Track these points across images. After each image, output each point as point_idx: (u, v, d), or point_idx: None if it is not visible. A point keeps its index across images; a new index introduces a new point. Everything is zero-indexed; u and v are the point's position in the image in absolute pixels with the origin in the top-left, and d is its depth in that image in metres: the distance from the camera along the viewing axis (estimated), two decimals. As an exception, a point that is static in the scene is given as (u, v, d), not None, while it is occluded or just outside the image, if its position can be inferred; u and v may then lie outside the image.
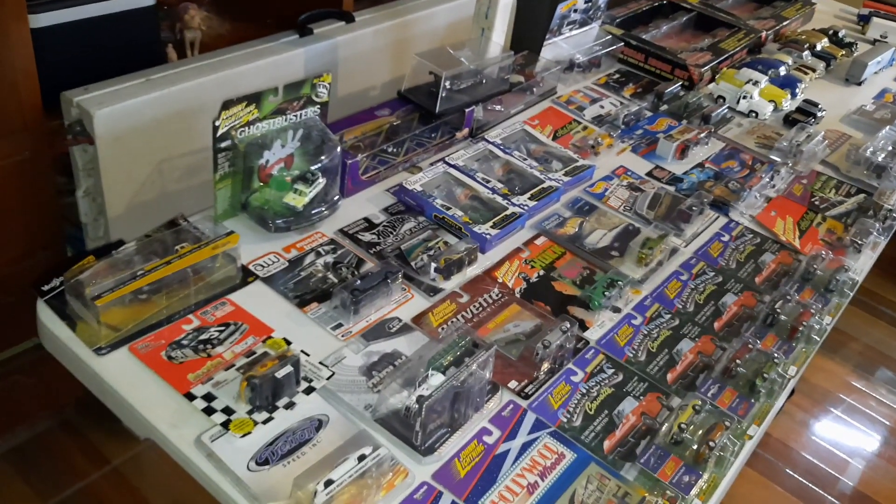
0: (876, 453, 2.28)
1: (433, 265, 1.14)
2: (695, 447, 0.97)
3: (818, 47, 2.11)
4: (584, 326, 1.13)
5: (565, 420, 0.98)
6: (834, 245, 1.41)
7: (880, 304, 2.85)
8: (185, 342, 0.97)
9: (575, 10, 1.80)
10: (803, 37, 2.15)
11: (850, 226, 1.46)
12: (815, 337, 1.19)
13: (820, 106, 1.79)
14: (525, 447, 0.94)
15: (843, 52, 2.13)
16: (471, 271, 1.18)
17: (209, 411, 0.89)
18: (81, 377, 0.97)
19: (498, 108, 1.55)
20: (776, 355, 1.11)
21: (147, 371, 0.93)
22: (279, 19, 1.72)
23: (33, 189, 1.44)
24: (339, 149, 1.21)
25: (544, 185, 1.35)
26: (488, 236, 1.22)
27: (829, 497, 2.11)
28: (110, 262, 1.00)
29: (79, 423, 1.81)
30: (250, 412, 0.89)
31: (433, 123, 1.40)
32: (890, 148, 1.67)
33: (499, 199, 1.30)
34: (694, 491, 0.93)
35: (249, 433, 0.87)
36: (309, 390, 0.94)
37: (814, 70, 2.00)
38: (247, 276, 1.09)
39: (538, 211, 1.33)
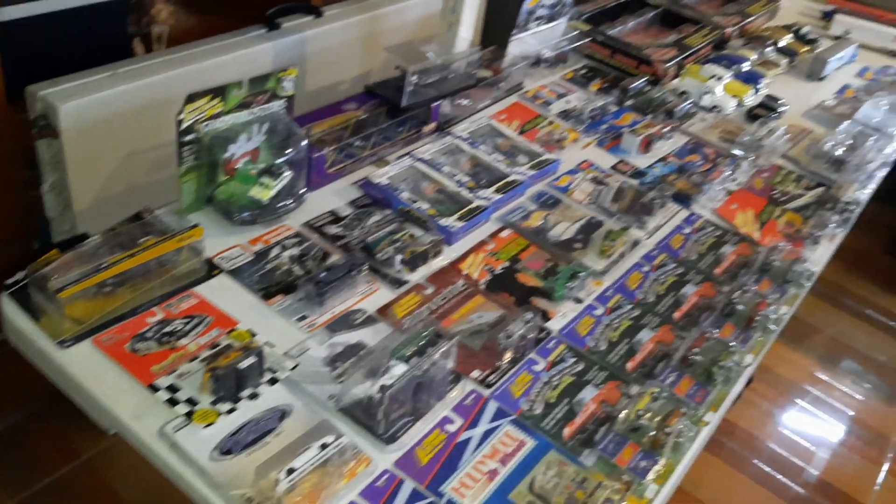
0: (840, 443, 2.33)
1: (399, 257, 1.16)
2: (652, 433, 0.99)
3: (782, 43, 2.14)
4: (546, 317, 1.15)
5: (526, 408, 1.00)
6: (793, 237, 1.45)
7: (844, 297, 2.91)
8: (149, 335, 0.97)
9: (542, 6, 1.82)
10: (767, 33, 2.19)
11: (808, 218, 1.50)
12: (772, 326, 1.22)
13: (782, 101, 1.83)
14: (486, 435, 0.96)
15: (806, 49, 2.17)
16: (436, 263, 1.20)
17: (173, 402, 0.90)
18: (45, 370, 0.97)
19: (465, 102, 1.57)
20: (733, 344, 1.14)
21: (111, 363, 0.93)
22: (247, 14, 1.71)
23: (-2, 183, 1.43)
24: (305, 142, 1.22)
25: (510, 179, 1.37)
26: (454, 229, 1.23)
27: (795, 486, 2.16)
28: (75, 255, 1.00)
29: (49, 417, 1.80)
30: (214, 403, 0.90)
31: (400, 117, 1.42)
32: (849, 142, 1.71)
33: (465, 192, 1.32)
34: (650, 476, 0.95)
35: (213, 423, 0.88)
36: (273, 381, 0.95)
37: (777, 66, 2.04)
38: (212, 268, 1.09)
39: (503, 204, 1.35)
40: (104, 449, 1.78)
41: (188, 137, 1.10)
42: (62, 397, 0.97)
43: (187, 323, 1.00)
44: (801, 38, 2.21)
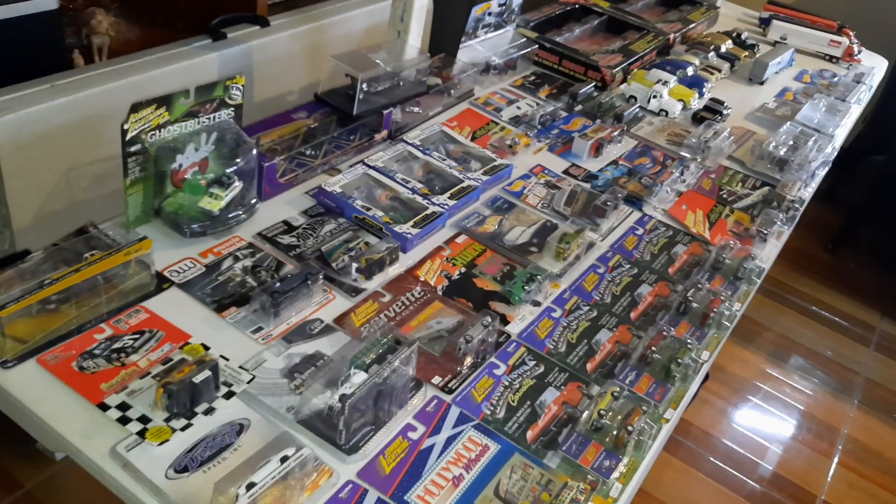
0: (791, 437, 2.39)
1: (354, 265, 1.14)
2: (614, 432, 0.99)
3: (723, 49, 2.20)
4: (505, 321, 1.15)
5: (489, 412, 1.00)
6: (741, 235, 1.48)
7: (789, 294, 2.99)
8: (97, 352, 0.94)
9: (489, 14, 1.84)
10: (708, 39, 2.24)
11: (755, 217, 1.53)
12: (726, 323, 1.24)
13: (726, 104, 1.87)
14: (450, 441, 0.95)
15: (746, 54, 2.23)
16: (392, 271, 1.19)
17: (124, 421, 0.86)
18: (-14, 393, 0.93)
19: (416, 109, 1.56)
20: (689, 341, 1.15)
21: (57, 383, 0.90)
22: (191, 24, 1.68)
23: (-69, 202, 1.37)
24: (255, 151, 1.19)
25: (464, 185, 1.37)
26: (409, 236, 1.22)
27: (750, 481, 2.20)
28: (16, 272, 0.97)
29: (-12, 448, 1.73)
30: (168, 419, 0.87)
31: (351, 125, 1.40)
32: (791, 143, 1.75)
33: (419, 199, 1.31)
34: (615, 475, 0.95)
35: (167, 441, 0.85)
36: (229, 395, 0.92)
37: (719, 70, 2.08)
38: (162, 282, 1.06)
39: (458, 210, 1.34)
40: (47, 478, 1.72)
41: (133, 148, 1.06)
42: (2, 428, 0.93)
43: (137, 338, 0.97)
44: (741, 44, 2.27)
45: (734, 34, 2.30)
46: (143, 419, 0.87)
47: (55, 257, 1.00)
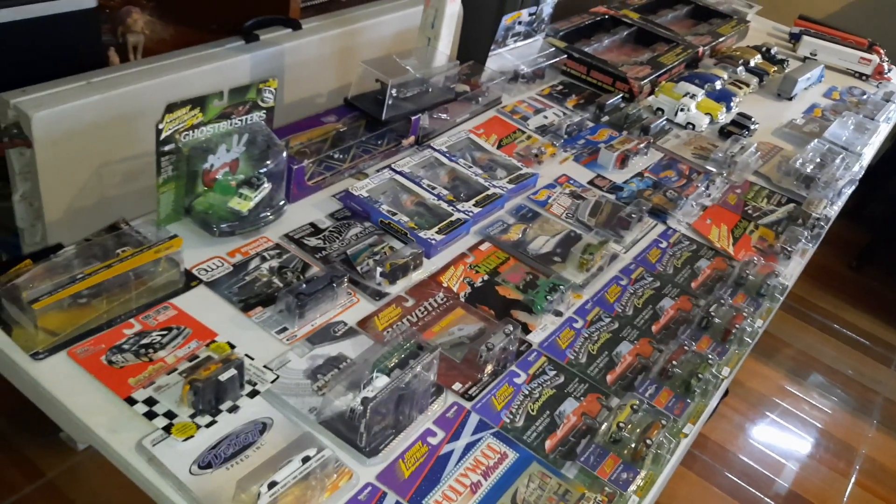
0: (809, 455, 2.37)
1: (379, 269, 1.15)
2: (633, 445, 0.99)
3: (752, 63, 2.19)
4: (526, 330, 1.15)
5: (508, 421, 1.00)
6: (765, 252, 1.47)
7: (811, 311, 2.96)
8: (125, 346, 0.96)
9: (520, 23, 1.84)
10: (738, 53, 2.23)
11: (780, 233, 1.52)
12: (748, 339, 1.24)
13: (753, 119, 1.86)
14: (468, 447, 0.95)
15: (776, 69, 2.22)
16: (416, 276, 1.20)
17: (150, 416, 0.88)
18: (17, 383, 0.95)
19: (444, 116, 1.58)
20: (710, 357, 1.15)
21: (86, 376, 0.91)
22: (224, 25, 1.71)
23: (-34, 193, 1.40)
24: (284, 154, 1.21)
25: (489, 193, 1.38)
26: (433, 241, 1.23)
27: (765, 498, 2.18)
28: (48, 265, 0.98)
29: (12, 436, 1.75)
30: (193, 416, 0.89)
31: (379, 130, 1.41)
32: (818, 160, 1.74)
33: (444, 205, 1.32)
34: (632, 487, 0.95)
35: (192, 437, 0.87)
36: (253, 394, 0.93)
37: (748, 85, 2.08)
38: (190, 280, 1.08)
39: (483, 217, 1.35)
40: (69, 468, 1.74)
41: (167, 147, 1.08)
42: (24, 415, 0.95)
43: (165, 335, 0.98)
44: (771, 59, 2.26)
45: (764, 49, 2.29)
46: (169, 414, 0.88)
47: (87, 252, 1.02)
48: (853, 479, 2.31)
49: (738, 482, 2.21)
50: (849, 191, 1.76)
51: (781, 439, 2.40)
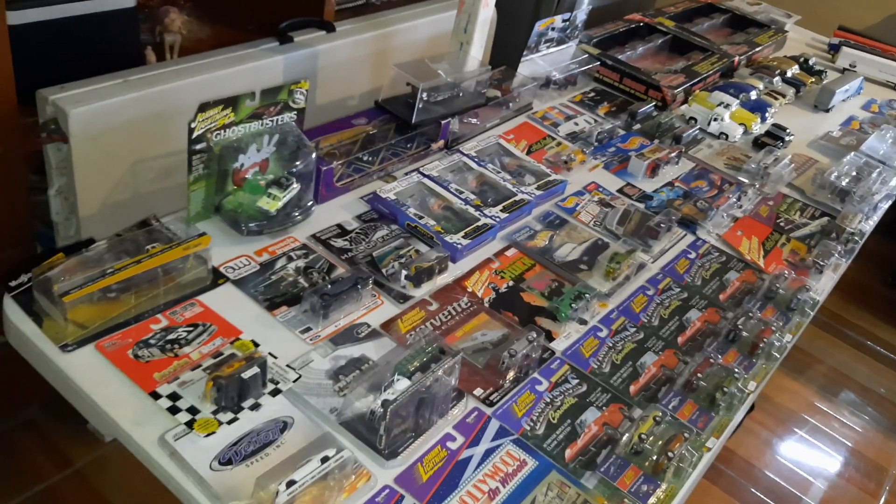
0: (838, 474, 2.32)
1: (404, 272, 1.15)
2: (654, 457, 0.98)
3: (789, 74, 2.16)
4: (550, 337, 1.15)
5: (528, 428, 1.00)
6: (797, 265, 1.45)
7: (844, 327, 2.91)
8: (152, 341, 0.97)
9: (553, 29, 1.84)
10: (774, 63, 2.20)
11: (813, 247, 1.50)
12: (776, 354, 1.22)
13: (788, 130, 1.83)
14: (488, 454, 0.95)
15: (813, 80, 2.18)
16: (441, 280, 1.20)
17: (174, 410, 0.89)
18: (46, 374, 0.96)
19: (474, 121, 1.58)
20: (736, 370, 1.14)
21: (113, 369, 0.93)
22: (259, 26, 1.73)
23: (4, 186, 1.43)
24: (314, 155, 1.22)
25: (516, 198, 1.37)
26: (459, 246, 1.23)
27: (791, 516, 2.14)
28: (80, 259, 1.00)
29: (42, 424, 1.79)
30: (215, 412, 0.90)
31: (409, 134, 1.42)
32: (854, 173, 1.71)
33: (471, 210, 1.32)
34: (651, 500, 0.94)
35: (213, 433, 0.87)
36: (275, 392, 0.94)
37: (784, 95, 2.05)
38: (217, 277, 1.09)
39: (510, 223, 1.35)
40: (96, 458, 1.77)
41: (199, 146, 1.10)
42: (55, 405, 0.96)
43: (191, 331, 1.00)
44: (808, 70, 2.23)
45: (801, 59, 2.26)
46: (192, 410, 0.89)
47: (118, 247, 1.04)
48: (882, 500, 2.26)
49: (764, 499, 2.17)
50: (885, 205, 1.72)
51: (810, 457, 2.36)
